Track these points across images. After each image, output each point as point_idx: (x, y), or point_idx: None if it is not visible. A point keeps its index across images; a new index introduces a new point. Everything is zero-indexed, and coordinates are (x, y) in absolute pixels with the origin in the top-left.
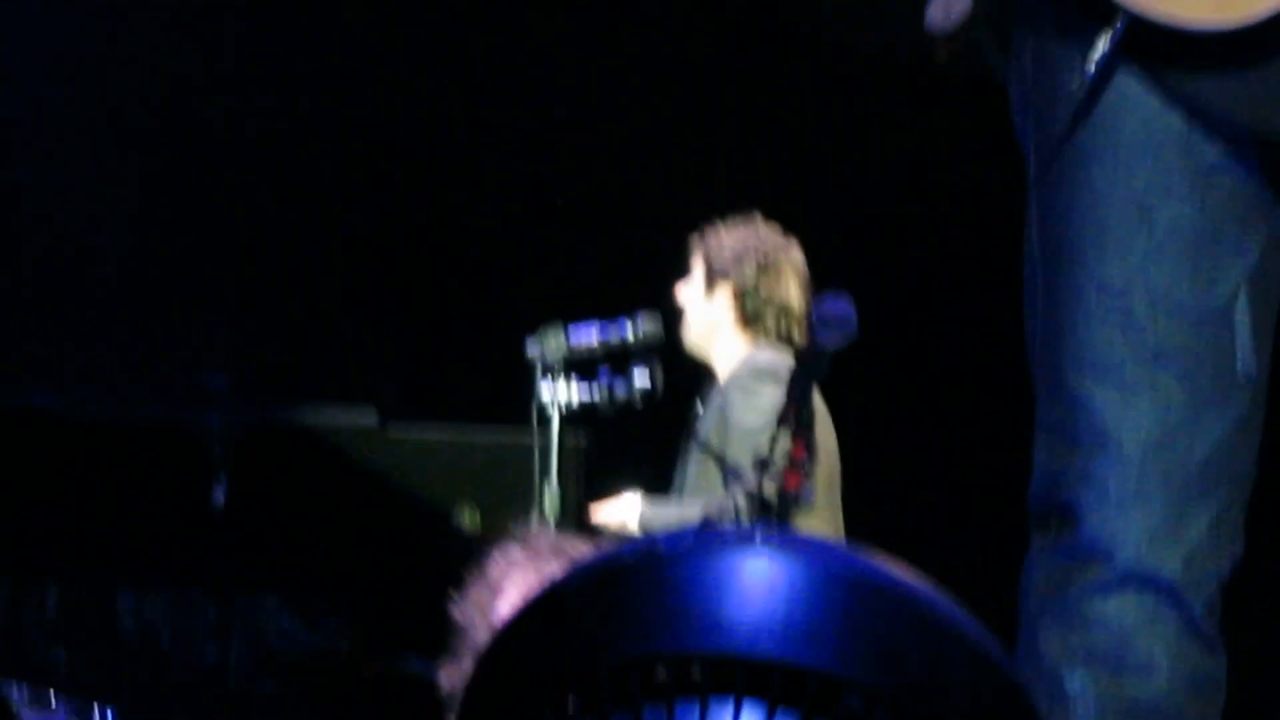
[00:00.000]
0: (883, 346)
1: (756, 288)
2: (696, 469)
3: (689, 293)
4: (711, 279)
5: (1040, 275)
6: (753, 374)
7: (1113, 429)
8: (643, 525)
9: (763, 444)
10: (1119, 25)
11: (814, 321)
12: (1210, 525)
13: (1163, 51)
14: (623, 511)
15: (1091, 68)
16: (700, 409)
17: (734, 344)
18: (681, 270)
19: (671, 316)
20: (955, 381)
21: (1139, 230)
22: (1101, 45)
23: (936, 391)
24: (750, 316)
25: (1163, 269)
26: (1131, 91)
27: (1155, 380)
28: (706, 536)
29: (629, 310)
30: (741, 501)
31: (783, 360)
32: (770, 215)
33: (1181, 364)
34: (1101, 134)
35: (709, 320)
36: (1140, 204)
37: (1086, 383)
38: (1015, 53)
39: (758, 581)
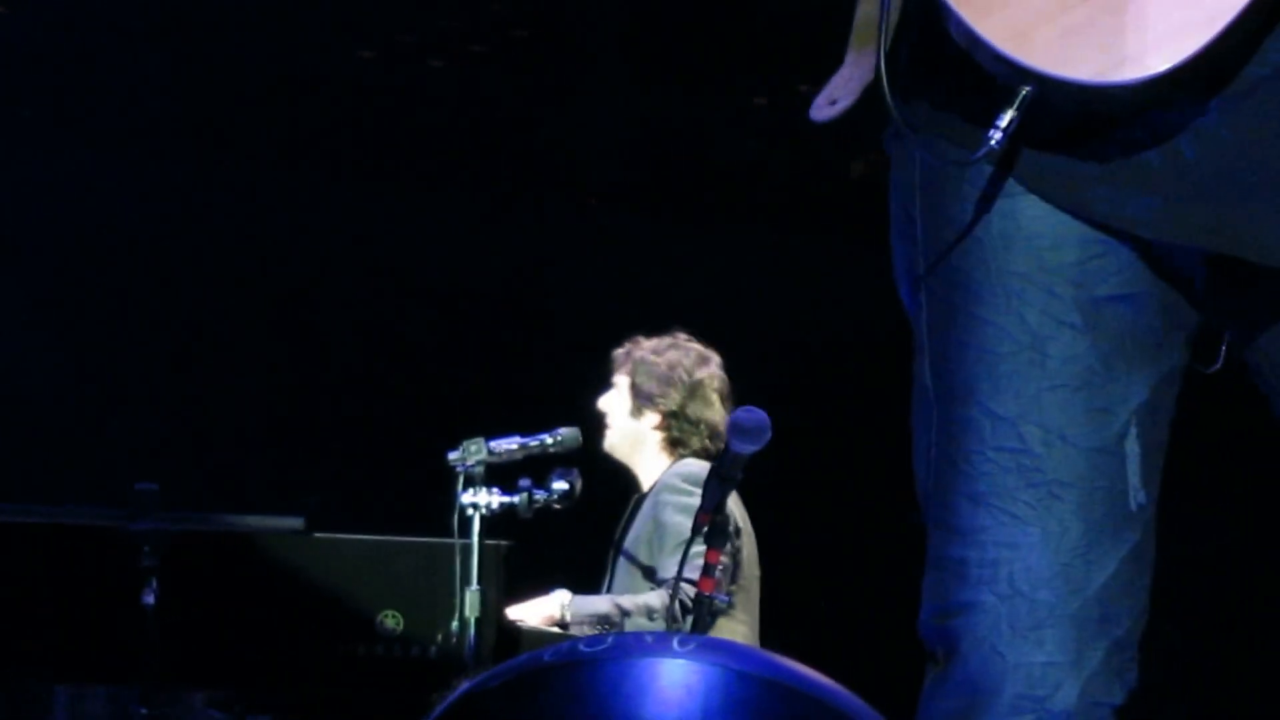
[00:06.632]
0: (800, 462)
1: (684, 412)
2: (623, 576)
3: (612, 403)
4: (638, 403)
5: (936, 410)
6: (687, 480)
7: (1004, 561)
8: (573, 615)
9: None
10: (1028, 90)
11: (730, 428)
12: (1106, 656)
13: (1060, 149)
14: (548, 607)
15: (998, 134)
16: (624, 519)
17: (659, 461)
18: (601, 384)
19: (592, 428)
20: (873, 487)
21: (1032, 364)
22: (1010, 113)
23: (854, 499)
24: (677, 439)
25: (1056, 403)
26: (1024, 220)
27: (1050, 512)
28: (625, 640)
29: (549, 426)
30: (674, 604)
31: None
32: (691, 329)
33: (1076, 496)
34: (994, 266)
35: (634, 437)
36: (1034, 336)
37: (979, 514)
38: (900, 165)
39: (676, 683)
